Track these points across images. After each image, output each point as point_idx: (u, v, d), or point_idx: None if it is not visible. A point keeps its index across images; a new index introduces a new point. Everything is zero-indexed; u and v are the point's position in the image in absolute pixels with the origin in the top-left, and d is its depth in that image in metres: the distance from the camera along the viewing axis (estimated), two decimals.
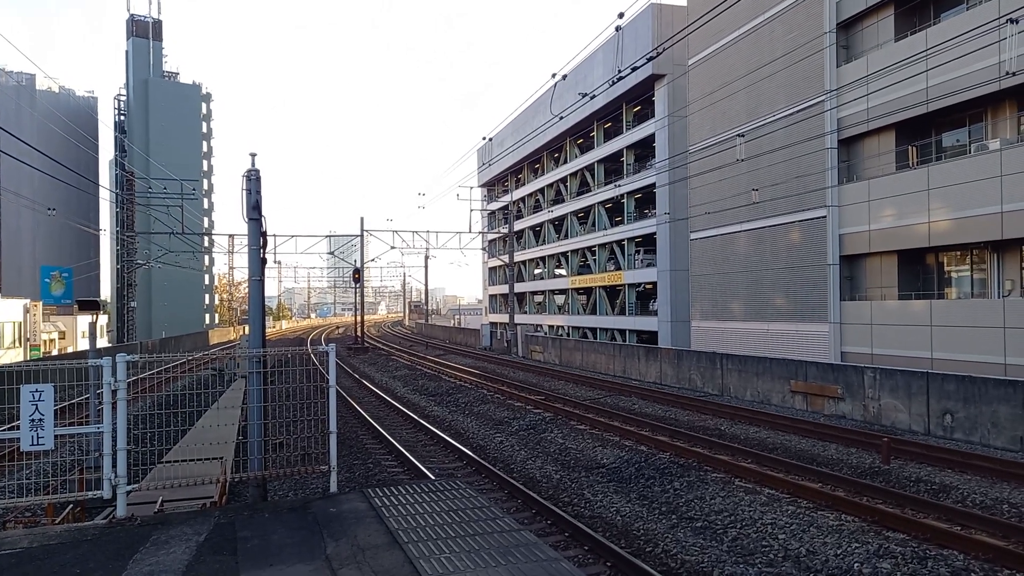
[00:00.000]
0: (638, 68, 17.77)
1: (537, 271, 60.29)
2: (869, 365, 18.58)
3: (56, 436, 6.37)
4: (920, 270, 24.04)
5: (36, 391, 6.20)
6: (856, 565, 7.71)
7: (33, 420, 6.19)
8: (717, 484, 11.12)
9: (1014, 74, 18.10)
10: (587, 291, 49.58)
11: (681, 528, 9.30)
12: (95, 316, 14.54)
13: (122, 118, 74.04)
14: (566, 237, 51.76)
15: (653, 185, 38.83)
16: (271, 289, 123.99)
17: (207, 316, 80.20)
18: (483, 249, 62.06)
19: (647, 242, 41.39)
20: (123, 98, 74.99)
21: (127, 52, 74.92)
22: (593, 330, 47.15)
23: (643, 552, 8.52)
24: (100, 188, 60.43)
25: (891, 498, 10.24)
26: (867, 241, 24.29)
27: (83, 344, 51.76)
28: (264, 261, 9.67)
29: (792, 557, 8.13)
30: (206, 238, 64.86)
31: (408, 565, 5.20)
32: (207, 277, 79.49)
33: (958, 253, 23.08)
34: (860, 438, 14.41)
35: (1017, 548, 8.12)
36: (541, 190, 57.18)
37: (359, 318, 50.41)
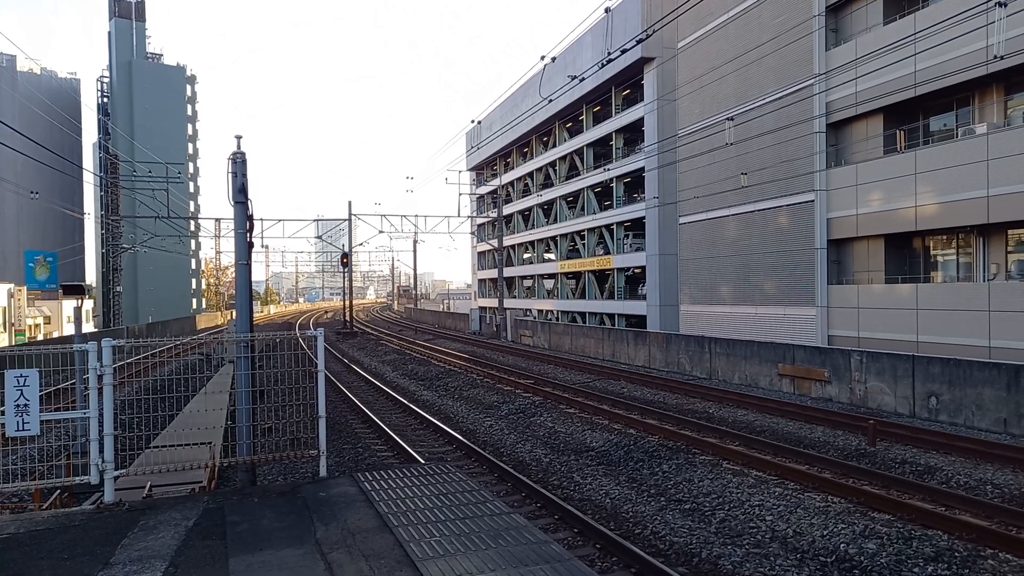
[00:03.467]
0: (627, 51, 17.71)
1: (526, 255, 60.24)
2: (856, 348, 18.72)
3: (42, 422, 6.30)
4: (907, 254, 24.19)
5: (21, 376, 6.13)
6: (842, 546, 7.79)
7: (18, 405, 6.13)
8: (705, 467, 11.19)
9: (1002, 58, 18.15)
10: (576, 275, 49.61)
11: (669, 510, 9.36)
12: (80, 301, 14.41)
13: (105, 100, 72.95)
14: (555, 221, 51.70)
15: (642, 169, 38.79)
16: (259, 274, 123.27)
17: (194, 301, 79.65)
18: (472, 233, 61.92)
19: (636, 226, 41.40)
20: (106, 80, 73.88)
21: (110, 33, 73.71)
22: (582, 314, 47.23)
23: (632, 534, 8.58)
24: (84, 171, 59.68)
25: (877, 479, 10.35)
26: (854, 225, 24.39)
27: (69, 329, 51.30)
28: (251, 245, 9.59)
29: (779, 538, 8.21)
30: (192, 222, 64.28)
31: (398, 548, 5.20)
32: (193, 261, 78.85)
33: (944, 237, 23.23)
34: (846, 420, 14.54)
35: (1000, 528, 8.23)
36: (530, 174, 57.00)
37: (347, 303, 50.25)
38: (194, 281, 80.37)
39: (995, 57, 18.32)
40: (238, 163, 9.11)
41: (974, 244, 21.69)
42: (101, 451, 6.39)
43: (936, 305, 21.49)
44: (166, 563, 4.97)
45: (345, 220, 45.77)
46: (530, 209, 56.85)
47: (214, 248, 73.19)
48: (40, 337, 47.83)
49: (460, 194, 45.20)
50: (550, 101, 27.76)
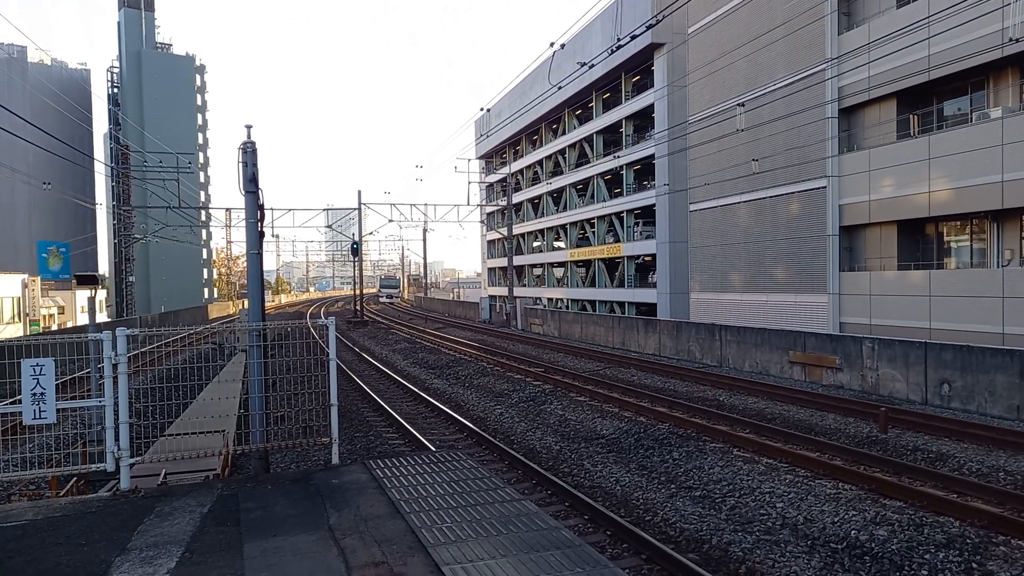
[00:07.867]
0: (637, 36, 17.55)
1: (536, 244, 60.16)
2: (867, 335, 18.62)
3: (58, 410, 6.38)
4: (920, 240, 24.00)
5: (37, 365, 6.21)
6: (853, 532, 7.79)
7: (35, 394, 6.21)
8: (716, 454, 11.20)
9: (1017, 40, 17.91)
10: (586, 263, 49.53)
11: (680, 497, 9.38)
12: (94, 291, 14.49)
13: (115, 90, 73.19)
14: (565, 209, 51.56)
15: (652, 156, 38.59)
16: (270, 263, 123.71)
17: (206, 290, 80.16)
18: (481, 222, 61.83)
19: (646, 214, 41.24)
20: (116, 70, 74.07)
21: (119, 23, 73.89)
22: (592, 302, 47.20)
23: (642, 521, 8.60)
24: (95, 162, 60.01)
25: (888, 466, 10.33)
26: (867, 211, 24.21)
27: (83, 319, 51.78)
28: (262, 234, 9.62)
29: (790, 525, 8.21)
30: (203, 212, 64.56)
31: (410, 534, 5.25)
32: (205, 251, 79.29)
33: (958, 223, 23.02)
34: (858, 408, 14.49)
35: (1012, 515, 8.20)
36: (540, 162, 56.83)
37: (358, 292, 50.42)
38: (205, 271, 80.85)
39: (1010, 40, 18.08)
40: (248, 153, 9.13)
41: (988, 230, 21.49)
42: (116, 439, 6.47)
43: (949, 292, 21.33)
44: (182, 548, 5.04)
45: (355, 209, 45.82)
46: (539, 197, 56.72)
47: (225, 238, 73.56)
48: (54, 327, 48.27)
49: (470, 182, 45.01)
50: (559, 88, 27.59)
